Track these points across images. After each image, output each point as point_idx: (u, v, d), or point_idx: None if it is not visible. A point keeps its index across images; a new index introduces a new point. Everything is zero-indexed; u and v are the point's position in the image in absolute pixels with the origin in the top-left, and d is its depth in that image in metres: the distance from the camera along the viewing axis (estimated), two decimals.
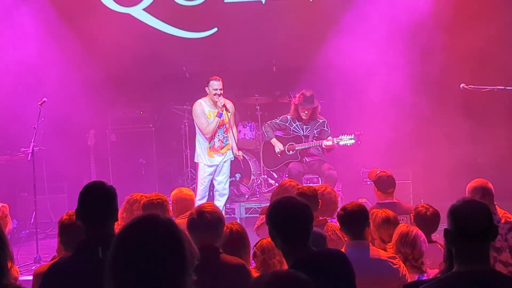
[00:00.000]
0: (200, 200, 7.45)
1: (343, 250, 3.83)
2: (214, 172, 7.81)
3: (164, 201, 4.93)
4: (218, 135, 7.75)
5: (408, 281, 3.72)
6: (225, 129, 7.74)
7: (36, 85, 8.54)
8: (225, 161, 7.83)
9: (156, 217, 1.92)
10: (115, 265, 1.84)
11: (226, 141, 7.81)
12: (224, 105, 7.57)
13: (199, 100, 7.74)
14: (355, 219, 3.99)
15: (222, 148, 7.79)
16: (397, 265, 3.86)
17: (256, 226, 5.45)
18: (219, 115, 7.59)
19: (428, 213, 4.63)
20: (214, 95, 7.54)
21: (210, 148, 7.72)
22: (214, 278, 3.26)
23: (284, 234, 2.95)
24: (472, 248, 2.42)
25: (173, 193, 5.51)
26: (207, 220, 3.50)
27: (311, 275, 2.87)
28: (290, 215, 2.96)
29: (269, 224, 3.00)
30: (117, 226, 3.41)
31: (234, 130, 7.96)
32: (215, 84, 7.55)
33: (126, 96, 9.83)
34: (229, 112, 7.67)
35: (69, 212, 3.96)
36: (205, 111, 7.66)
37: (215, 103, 7.63)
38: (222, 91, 7.58)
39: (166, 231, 1.87)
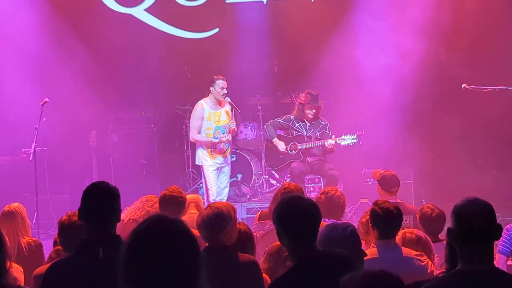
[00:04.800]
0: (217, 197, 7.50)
1: (370, 248, 3.83)
2: (218, 170, 7.65)
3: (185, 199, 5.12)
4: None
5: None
6: (228, 130, 7.56)
7: (37, 86, 8.54)
8: (224, 166, 7.69)
9: (166, 218, 1.93)
10: (128, 267, 1.85)
11: (227, 144, 7.67)
12: (231, 104, 7.49)
13: (201, 101, 7.55)
14: (393, 219, 3.92)
15: (224, 151, 7.64)
16: (425, 262, 3.86)
17: (260, 234, 5.05)
18: (215, 140, 7.47)
19: (433, 214, 4.65)
20: (222, 95, 7.42)
21: (211, 152, 7.57)
22: (229, 275, 3.38)
23: (291, 232, 2.96)
24: (476, 248, 2.42)
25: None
26: (213, 216, 3.62)
27: (313, 274, 2.90)
28: (298, 213, 2.97)
29: (277, 222, 3.01)
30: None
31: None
32: (222, 83, 7.42)
33: (128, 97, 9.83)
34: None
35: (69, 212, 3.96)
36: (205, 113, 7.48)
37: (219, 102, 7.52)
38: (227, 90, 7.47)
39: (177, 232, 1.88)
